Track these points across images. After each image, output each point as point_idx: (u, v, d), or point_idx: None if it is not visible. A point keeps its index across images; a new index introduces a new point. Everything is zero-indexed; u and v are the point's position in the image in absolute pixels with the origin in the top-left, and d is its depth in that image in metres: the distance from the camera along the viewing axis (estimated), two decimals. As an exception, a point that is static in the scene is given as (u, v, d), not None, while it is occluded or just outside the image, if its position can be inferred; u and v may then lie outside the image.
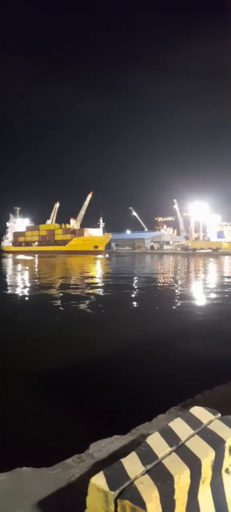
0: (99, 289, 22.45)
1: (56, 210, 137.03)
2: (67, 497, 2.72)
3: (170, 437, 2.40)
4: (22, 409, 5.59)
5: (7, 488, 2.86)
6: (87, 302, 16.60)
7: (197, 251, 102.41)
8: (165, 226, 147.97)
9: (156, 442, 2.35)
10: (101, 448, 3.40)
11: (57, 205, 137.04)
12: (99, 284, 25.80)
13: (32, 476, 3.02)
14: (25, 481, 2.95)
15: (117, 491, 1.97)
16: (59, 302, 17.04)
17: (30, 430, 4.95)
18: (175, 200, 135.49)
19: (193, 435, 2.42)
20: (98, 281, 28.77)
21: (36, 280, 28.86)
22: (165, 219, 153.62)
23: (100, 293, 20.38)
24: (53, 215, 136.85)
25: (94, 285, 25.08)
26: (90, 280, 28.68)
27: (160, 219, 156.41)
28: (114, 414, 5.33)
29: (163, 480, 2.02)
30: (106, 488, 1.99)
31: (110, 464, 2.21)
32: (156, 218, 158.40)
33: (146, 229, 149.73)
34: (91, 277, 31.96)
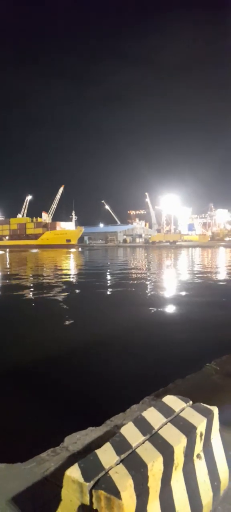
0: (72, 283, 22.34)
1: (28, 203, 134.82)
2: (42, 491, 2.72)
3: (144, 426, 2.45)
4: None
5: (-20, 485, 2.82)
6: (60, 296, 16.49)
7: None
8: (137, 220, 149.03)
9: (130, 432, 2.39)
10: (76, 440, 3.41)
11: (28, 198, 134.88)
12: (72, 279, 25.67)
13: (5, 472, 2.99)
14: (-1, 477, 2.92)
15: (92, 482, 1.99)
16: (29, 297, 16.82)
17: (3, 425, 4.89)
18: (147, 194, 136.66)
19: (165, 423, 2.48)
20: (72, 274, 28.62)
21: (7, 276, 28.33)
22: (137, 212, 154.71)
23: (73, 287, 20.29)
24: (25, 208, 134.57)
25: (67, 278, 24.94)
26: (64, 274, 28.46)
27: (132, 212, 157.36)
28: (88, 406, 5.35)
29: (137, 468, 2.06)
30: (81, 480, 2.01)
31: (85, 456, 2.22)
32: (128, 212, 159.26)
33: (118, 223, 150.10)
34: (64, 271, 31.73)
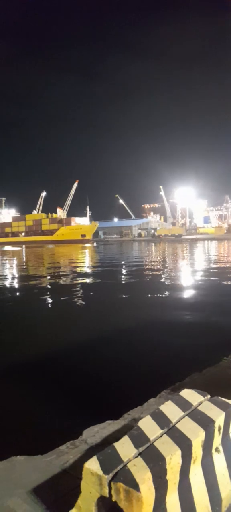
0: (88, 278, 22.47)
1: (42, 199, 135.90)
2: (62, 483, 2.77)
3: (161, 419, 2.46)
4: (14, 399, 5.61)
5: (2, 476, 2.89)
6: (77, 292, 16.62)
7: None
8: (152, 213, 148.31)
9: (148, 425, 2.41)
10: (94, 433, 3.45)
11: (43, 194, 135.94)
12: (88, 273, 25.81)
13: (26, 464, 3.06)
14: (20, 469, 2.99)
15: (111, 475, 2.02)
16: (47, 293, 17.00)
17: (24, 418, 4.99)
18: (161, 187, 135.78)
19: (183, 417, 2.49)
20: (87, 269, 28.77)
21: (25, 271, 28.70)
22: (151, 206, 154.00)
23: (90, 282, 20.40)
24: (40, 204, 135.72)
25: (82, 272, 25.11)
26: (79, 268, 28.63)
27: (146, 206, 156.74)
28: (106, 399, 5.40)
29: (155, 461, 2.08)
30: (100, 472, 2.04)
31: (103, 449, 2.25)
32: (142, 205, 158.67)
33: (133, 217, 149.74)
34: (80, 267, 31.93)
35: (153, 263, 31.87)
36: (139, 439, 2.27)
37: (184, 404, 2.63)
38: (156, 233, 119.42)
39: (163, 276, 21.36)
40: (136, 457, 2.13)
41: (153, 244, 77.48)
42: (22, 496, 2.63)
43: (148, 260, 35.30)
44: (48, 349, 8.06)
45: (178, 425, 2.39)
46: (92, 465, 2.10)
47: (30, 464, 3.05)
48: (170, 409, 2.59)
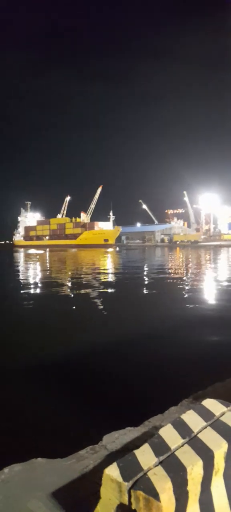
0: (111, 284, 22.51)
1: (67, 204, 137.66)
2: (81, 488, 2.76)
3: (183, 429, 2.42)
4: (34, 401, 5.68)
5: (22, 478, 2.91)
6: (98, 295, 16.68)
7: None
8: (175, 219, 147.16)
9: (169, 434, 2.37)
10: (115, 439, 3.43)
11: (67, 199, 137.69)
12: (110, 277, 25.87)
13: (46, 466, 3.07)
14: (40, 471, 3.00)
15: (131, 482, 2.00)
16: (70, 296, 17.15)
17: (44, 421, 5.03)
18: (185, 192, 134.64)
19: (205, 427, 2.44)
20: (110, 275, 28.85)
21: (48, 274, 29.09)
22: (175, 211, 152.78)
23: (112, 287, 20.43)
24: (64, 209, 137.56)
25: (105, 278, 25.19)
26: (102, 276, 28.75)
27: (170, 211, 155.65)
28: (126, 406, 5.37)
29: (176, 471, 2.04)
30: (120, 479, 2.02)
31: (123, 456, 2.24)
32: (166, 211, 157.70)
33: (156, 222, 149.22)
34: (102, 271, 32.04)
35: (176, 270, 31.62)
36: (160, 447, 2.25)
37: (206, 414, 2.58)
38: (173, 239, 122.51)
39: (184, 284, 21.12)
40: (156, 465, 2.10)
41: (177, 249, 76.97)
42: (42, 498, 2.65)
43: (170, 267, 35.03)
44: (70, 352, 8.11)
45: (199, 435, 2.35)
46: (112, 471, 2.09)
47: (50, 467, 3.06)
48: (191, 418, 2.54)
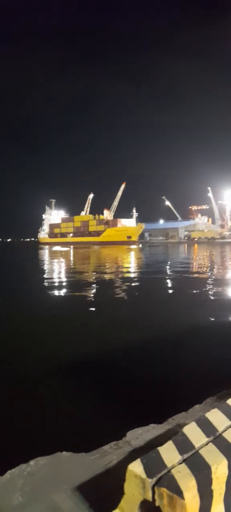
0: (132, 279, 22.50)
1: (90, 201, 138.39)
2: (105, 483, 2.79)
3: (207, 427, 2.39)
4: (59, 396, 5.77)
5: (48, 471, 2.97)
6: (122, 292, 16.71)
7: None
8: (199, 215, 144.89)
9: (193, 432, 2.35)
10: (138, 436, 3.44)
11: (91, 196, 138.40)
12: (133, 275, 25.86)
13: (71, 460, 3.12)
14: (64, 465, 3.05)
15: (154, 479, 2.00)
16: (94, 294, 17.27)
17: (69, 415, 5.11)
18: (209, 188, 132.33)
19: (230, 426, 2.40)
20: (133, 272, 28.85)
21: (73, 271, 29.42)
22: (199, 207, 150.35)
23: (135, 284, 20.42)
24: (87, 206, 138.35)
25: (128, 275, 25.21)
26: (125, 275, 28.80)
27: (194, 207, 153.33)
28: (150, 403, 5.37)
29: (200, 470, 2.02)
30: (143, 475, 2.03)
31: (147, 452, 2.24)
32: (190, 207, 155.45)
33: (179, 218, 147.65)
34: (125, 267, 32.09)
35: (201, 269, 31.25)
36: (184, 445, 2.23)
37: (231, 413, 2.54)
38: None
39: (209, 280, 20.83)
40: (180, 463, 2.09)
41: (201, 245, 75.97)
42: (67, 492, 2.69)
43: (196, 265, 34.64)
44: (95, 349, 8.18)
45: (224, 434, 2.32)
46: (136, 467, 2.10)
47: (75, 461, 3.11)
48: (216, 417, 2.51)
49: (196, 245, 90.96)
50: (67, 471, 2.97)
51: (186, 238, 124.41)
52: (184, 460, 2.11)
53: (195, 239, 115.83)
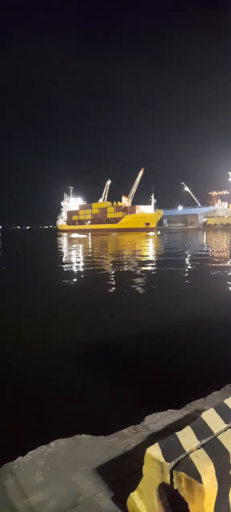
0: (151, 269, 22.46)
1: (108, 188, 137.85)
2: (123, 465, 2.83)
3: (225, 413, 2.39)
4: (81, 380, 5.86)
5: (67, 452, 3.04)
6: (141, 281, 16.72)
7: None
8: (219, 201, 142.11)
9: (211, 418, 2.36)
10: (156, 420, 3.47)
11: (108, 183, 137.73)
12: (151, 262, 25.79)
13: (90, 443, 3.18)
14: (84, 447, 3.12)
15: (173, 463, 2.02)
16: (112, 281, 17.33)
17: (88, 399, 5.20)
18: (230, 173, 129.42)
19: (249, 413, 2.39)
20: (151, 260, 28.76)
21: (90, 258, 29.60)
22: (219, 193, 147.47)
23: (153, 273, 20.37)
24: (105, 193, 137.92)
25: (146, 262, 25.18)
26: (143, 263, 28.75)
27: (214, 193, 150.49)
28: (169, 388, 5.39)
29: (219, 455, 2.03)
30: (162, 459, 2.05)
31: (165, 437, 2.26)
32: (209, 193, 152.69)
33: (199, 205, 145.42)
34: (143, 255, 32.02)
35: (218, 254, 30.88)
36: (202, 430, 2.24)
37: (250, 400, 2.53)
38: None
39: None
40: (198, 448, 2.10)
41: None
42: (86, 472, 2.75)
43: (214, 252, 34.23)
44: (115, 335, 8.25)
45: (243, 421, 2.31)
46: (155, 451, 2.12)
47: (94, 444, 3.17)
48: (235, 403, 2.50)
49: (211, 231, 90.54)
50: (86, 453, 3.03)
51: (201, 224, 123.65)
52: (202, 445, 2.12)
53: (211, 225, 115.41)
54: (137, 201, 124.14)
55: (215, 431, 2.23)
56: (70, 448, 3.12)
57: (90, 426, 3.60)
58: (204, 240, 52.64)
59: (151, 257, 29.43)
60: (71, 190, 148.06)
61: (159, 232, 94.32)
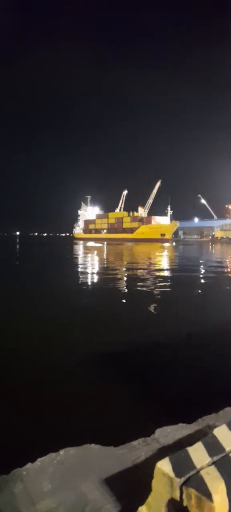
0: (164, 276, 22.33)
1: (124, 198, 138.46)
2: (132, 477, 2.79)
3: (239, 431, 2.34)
4: (89, 390, 5.84)
5: (76, 461, 3.02)
6: (155, 288, 16.65)
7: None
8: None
9: (223, 435, 2.31)
10: (167, 434, 3.41)
11: (125, 193, 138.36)
12: (166, 273, 25.66)
13: (99, 452, 3.15)
14: (93, 456, 3.09)
15: (183, 478, 1.98)
16: (124, 292, 17.30)
17: (98, 409, 5.17)
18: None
19: None
20: (166, 271, 28.62)
21: (106, 267, 29.65)
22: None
23: (166, 281, 20.26)
24: (122, 203, 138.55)
25: (160, 271, 25.06)
26: (157, 273, 28.63)
27: (230, 206, 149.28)
28: (180, 402, 5.31)
29: (230, 473, 1.98)
30: (172, 474, 2.01)
31: (175, 451, 2.22)
32: (226, 206, 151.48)
33: (215, 217, 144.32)
34: (158, 266, 31.89)
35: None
36: (214, 447, 2.19)
37: None
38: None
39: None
40: (209, 465, 2.06)
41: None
42: (95, 483, 2.72)
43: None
44: (127, 344, 8.21)
45: None
46: (165, 466, 2.09)
47: (103, 454, 3.13)
48: (248, 421, 2.44)
49: (219, 244, 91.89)
50: (95, 462, 3.00)
51: (210, 237, 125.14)
52: (214, 462, 2.07)
53: (218, 239, 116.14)
54: (153, 212, 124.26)
55: (227, 448, 2.17)
56: (79, 457, 3.10)
57: (99, 436, 3.57)
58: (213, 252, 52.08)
59: (166, 268, 29.29)
60: (88, 199, 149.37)
61: (174, 243, 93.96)
